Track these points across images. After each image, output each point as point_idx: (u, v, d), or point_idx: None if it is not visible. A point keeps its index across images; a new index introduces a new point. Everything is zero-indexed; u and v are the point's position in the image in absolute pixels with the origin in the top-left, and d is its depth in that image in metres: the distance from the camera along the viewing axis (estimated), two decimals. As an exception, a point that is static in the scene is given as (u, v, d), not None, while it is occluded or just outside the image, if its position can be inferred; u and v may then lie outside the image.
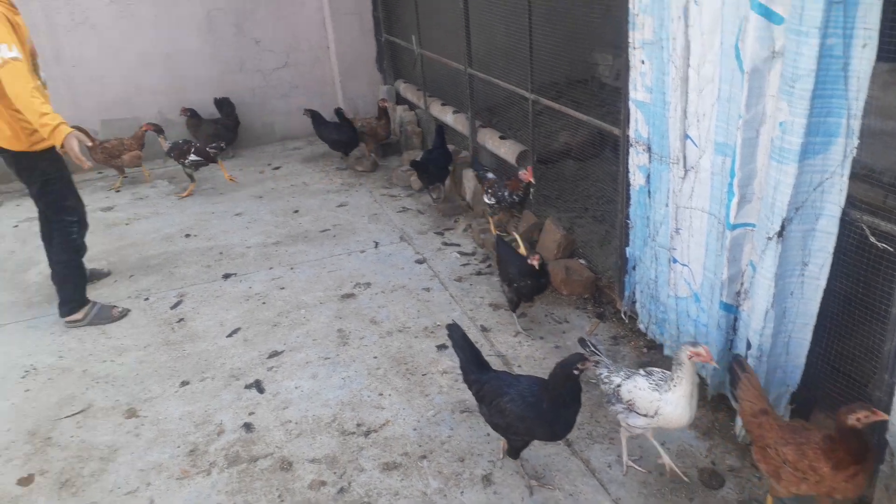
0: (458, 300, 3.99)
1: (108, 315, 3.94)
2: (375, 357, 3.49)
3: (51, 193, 3.72)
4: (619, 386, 2.65)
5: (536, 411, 2.45)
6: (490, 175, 4.67)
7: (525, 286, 3.53)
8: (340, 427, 3.01)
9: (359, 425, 3.02)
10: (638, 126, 3.17)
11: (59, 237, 3.82)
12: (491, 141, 5.14)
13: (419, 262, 4.49)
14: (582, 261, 4.08)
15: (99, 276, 4.47)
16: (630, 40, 3.08)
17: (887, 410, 2.31)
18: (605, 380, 2.72)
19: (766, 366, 2.61)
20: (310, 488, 2.70)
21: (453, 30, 5.19)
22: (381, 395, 3.21)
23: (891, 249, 2.22)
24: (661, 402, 2.52)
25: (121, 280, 4.47)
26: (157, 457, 2.90)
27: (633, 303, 3.54)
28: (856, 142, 2.22)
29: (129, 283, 4.42)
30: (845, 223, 2.34)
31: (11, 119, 3.45)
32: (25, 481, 2.81)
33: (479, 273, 4.30)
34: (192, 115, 6.60)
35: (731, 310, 2.79)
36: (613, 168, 3.50)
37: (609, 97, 4.14)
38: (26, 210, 5.76)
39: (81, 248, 3.98)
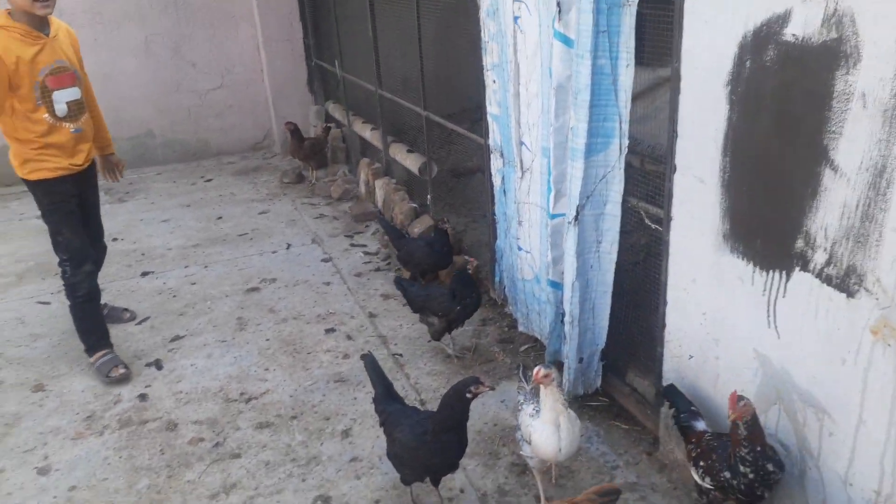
0: (354, 292, 4.43)
1: (106, 370, 3.57)
2: (267, 339, 3.91)
3: (48, 224, 3.48)
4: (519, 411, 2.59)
5: (421, 440, 2.39)
6: (699, 424, 2.48)
7: (466, 306, 3.51)
8: (225, 396, 3.41)
9: (241, 394, 3.42)
10: (494, 135, 3.68)
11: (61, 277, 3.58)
12: (399, 154, 5.63)
13: (325, 260, 4.92)
14: (466, 256, 4.55)
15: (118, 317, 4.14)
16: (483, 63, 3.61)
17: (661, 363, 2.82)
18: (519, 407, 2.63)
19: (578, 329, 3.09)
20: (189, 444, 3.09)
21: (368, 56, 5.70)
22: (266, 370, 3.62)
23: (660, 229, 2.74)
24: (532, 429, 2.45)
25: (47, 277, 4.82)
26: (56, 422, 3.27)
27: (503, 288, 4.02)
28: (627, 142, 2.75)
29: (53, 280, 4.77)
30: (627, 209, 2.87)
31: (11, 144, 3.36)
32: (-66, 443, 3.16)
33: (377, 269, 4.76)
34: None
35: (558, 287, 3.27)
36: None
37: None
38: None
39: (78, 289, 3.53)
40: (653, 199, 2.76)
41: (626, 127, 2.73)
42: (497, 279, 4.01)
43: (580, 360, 3.17)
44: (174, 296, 4.47)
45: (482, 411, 3.19)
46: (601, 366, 3.19)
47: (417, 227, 5.01)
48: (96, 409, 3.35)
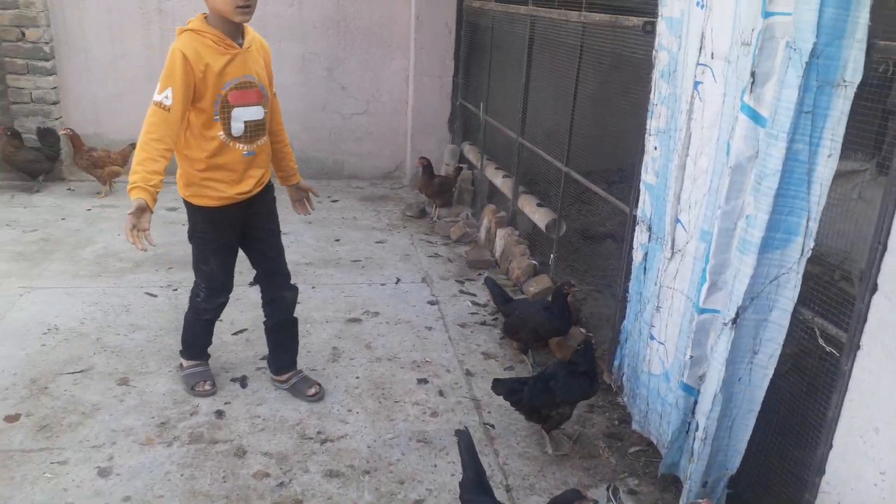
0: (455, 343, 4.12)
1: (191, 383, 3.43)
2: (357, 377, 3.66)
3: (194, 246, 3.25)
4: None
5: None
6: None
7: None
8: (301, 431, 3.17)
9: (319, 433, 3.17)
10: (644, 206, 3.29)
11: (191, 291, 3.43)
12: (528, 206, 5.33)
13: (431, 303, 4.66)
14: (582, 329, 4.15)
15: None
16: (647, 127, 3.25)
17: (811, 514, 2.29)
18: None
19: (710, 448, 2.61)
20: (254, 477, 2.85)
21: (514, 102, 5.50)
22: (349, 411, 3.36)
23: (836, 354, 2.24)
24: None
25: (161, 269, 4.86)
26: (131, 422, 3.15)
27: (622, 376, 3.58)
28: (812, 243, 2.29)
29: (166, 274, 4.80)
30: (797, 320, 2.39)
31: (180, 163, 3.11)
32: (11, 419, 3.11)
33: (483, 323, 4.43)
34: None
35: (692, 392, 2.81)
36: (621, 245, 3.62)
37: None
38: (102, 199, 6.39)
39: (205, 314, 3.38)
40: (834, 317, 2.27)
41: (813, 227, 2.28)
42: (616, 363, 3.57)
43: (704, 485, 2.67)
44: (275, 311, 4.34)
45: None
46: (726, 494, 2.68)
47: (534, 287, 4.66)
48: (171, 417, 3.21)
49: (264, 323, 3.52)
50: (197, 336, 3.49)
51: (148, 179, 2.77)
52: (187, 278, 4.66)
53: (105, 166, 6.35)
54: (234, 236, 3.24)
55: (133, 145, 6.85)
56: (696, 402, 2.82)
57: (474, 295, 4.86)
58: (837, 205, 2.36)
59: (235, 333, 4.04)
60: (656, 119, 3.18)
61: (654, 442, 3.14)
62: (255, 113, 3.03)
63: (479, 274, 5.25)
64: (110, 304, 4.28)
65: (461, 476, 2.43)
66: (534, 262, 4.93)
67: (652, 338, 3.15)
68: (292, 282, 3.49)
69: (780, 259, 2.36)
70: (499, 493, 2.85)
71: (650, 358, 3.17)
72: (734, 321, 2.45)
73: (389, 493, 2.83)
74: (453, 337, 4.20)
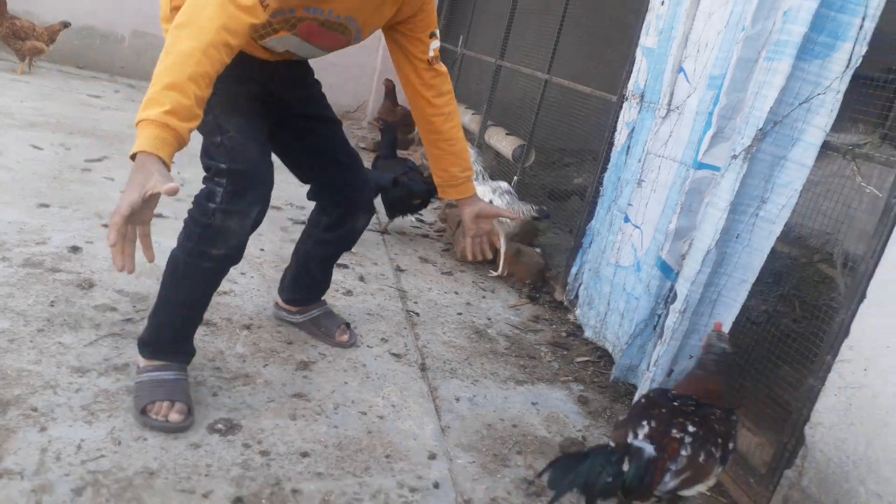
0: (389, 245, 3.48)
1: (144, 401, 1.70)
2: (262, 249, 2.98)
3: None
4: None
5: None
6: None
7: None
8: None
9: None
10: (638, 77, 2.74)
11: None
12: (495, 137, 4.76)
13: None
14: (538, 249, 3.55)
15: None
16: None
17: (813, 402, 1.70)
18: None
19: (685, 326, 2.02)
20: (95, 308, 2.15)
21: (497, 27, 4.98)
22: (242, 274, 2.68)
23: (878, 194, 1.69)
24: None
25: (60, 132, 4.12)
26: (-47, 233, 2.42)
27: (578, 286, 2.99)
28: (864, 50, 1.74)
29: (65, 136, 4.06)
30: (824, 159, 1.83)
31: None
32: None
33: (426, 236, 3.80)
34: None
35: (669, 273, 2.23)
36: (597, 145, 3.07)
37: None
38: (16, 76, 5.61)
39: (225, 238, 1.70)
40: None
41: (869, 27, 1.74)
42: (575, 269, 2.98)
43: (670, 373, 2.08)
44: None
45: (502, 405, 2.13)
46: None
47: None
48: (9, 241, 2.48)
49: (301, 247, 2.31)
50: (180, 307, 1.81)
51: (186, 111, 1.34)
52: (86, 143, 3.97)
53: (27, 39, 5.57)
54: (262, 99, 1.88)
55: (65, 24, 6.19)
56: (672, 288, 2.24)
57: (420, 215, 4.23)
58: None
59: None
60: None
61: (610, 349, 2.55)
62: (311, 52, 1.83)
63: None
64: None
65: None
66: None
67: (627, 220, 2.56)
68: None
69: (818, 72, 1.81)
70: (411, 369, 2.22)
71: (619, 247, 2.59)
72: (747, 151, 1.88)
73: (270, 349, 2.16)
74: (388, 241, 3.56)
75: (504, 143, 4.58)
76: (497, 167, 4.74)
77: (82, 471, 1.46)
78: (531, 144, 4.28)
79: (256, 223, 1.73)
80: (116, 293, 2.29)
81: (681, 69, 2.38)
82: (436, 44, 1.91)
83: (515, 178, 4.12)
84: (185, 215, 1.72)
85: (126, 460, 1.53)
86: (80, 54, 6.48)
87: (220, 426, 1.71)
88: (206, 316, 2.21)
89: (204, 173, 1.71)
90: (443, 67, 1.97)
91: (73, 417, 1.63)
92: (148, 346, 1.80)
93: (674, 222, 2.18)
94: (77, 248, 2.57)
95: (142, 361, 1.80)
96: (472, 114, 5.49)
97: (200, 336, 2.12)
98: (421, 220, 4.07)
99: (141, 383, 1.74)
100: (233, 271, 2.57)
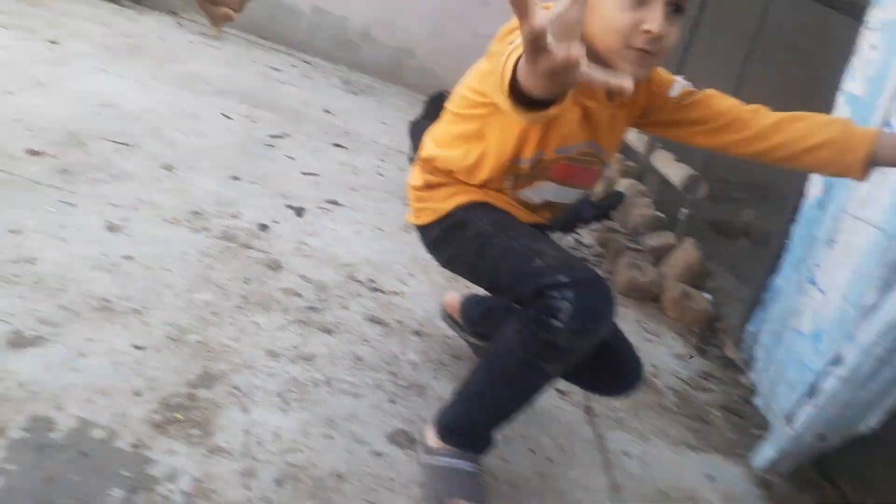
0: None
1: (440, 491, 1.58)
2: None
3: (480, 266, 1.66)
4: None
5: None
6: None
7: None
8: (351, 273, 2.56)
9: (371, 280, 2.55)
10: (842, 130, 2.54)
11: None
12: (663, 161, 4.59)
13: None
14: (706, 295, 3.39)
15: None
16: (866, 18, 2.52)
17: None
18: None
19: (846, 396, 1.85)
20: (282, 291, 2.26)
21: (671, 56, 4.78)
22: (411, 275, 2.72)
23: None
24: None
25: (246, 104, 4.37)
26: (161, 199, 2.60)
27: (753, 347, 2.83)
28: None
29: (251, 108, 4.31)
30: None
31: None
32: (34, 153, 2.59)
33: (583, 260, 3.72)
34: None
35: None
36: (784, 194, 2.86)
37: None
38: (205, 40, 6.00)
39: (552, 357, 1.42)
40: None
41: None
42: (752, 328, 2.82)
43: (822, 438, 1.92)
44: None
45: (676, 472, 2.04)
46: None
47: (654, 241, 3.93)
48: (208, 211, 2.65)
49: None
50: (492, 403, 1.57)
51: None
52: (268, 118, 4.19)
53: (220, 5, 5.95)
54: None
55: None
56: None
57: (579, 234, 4.16)
58: None
59: (306, 174, 3.47)
60: (882, 8, 2.45)
61: (772, 420, 2.38)
62: (567, 196, 1.69)
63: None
64: (180, 108, 3.79)
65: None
66: (660, 214, 4.20)
67: (813, 283, 2.39)
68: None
69: None
70: (576, 410, 2.17)
71: (802, 311, 2.41)
72: None
73: (439, 361, 2.18)
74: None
75: (672, 169, 4.40)
76: (660, 193, 4.56)
77: (281, 462, 1.53)
78: (704, 177, 4.08)
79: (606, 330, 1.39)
80: (300, 278, 2.39)
81: (888, 122, 2.17)
82: (677, 85, 1.66)
83: (685, 210, 3.95)
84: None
85: (317, 457, 1.58)
86: (263, 25, 6.84)
87: (399, 438, 1.74)
88: (380, 315, 2.28)
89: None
90: (704, 92, 1.66)
91: (270, 403, 1.71)
92: (446, 426, 1.62)
93: (865, 298, 2.00)
94: (265, 226, 2.71)
95: (437, 442, 1.63)
96: (639, 132, 5.32)
97: (376, 335, 2.19)
98: (579, 242, 3.99)
99: (439, 467, 1.59)
100: (402, 272, 2.67)
